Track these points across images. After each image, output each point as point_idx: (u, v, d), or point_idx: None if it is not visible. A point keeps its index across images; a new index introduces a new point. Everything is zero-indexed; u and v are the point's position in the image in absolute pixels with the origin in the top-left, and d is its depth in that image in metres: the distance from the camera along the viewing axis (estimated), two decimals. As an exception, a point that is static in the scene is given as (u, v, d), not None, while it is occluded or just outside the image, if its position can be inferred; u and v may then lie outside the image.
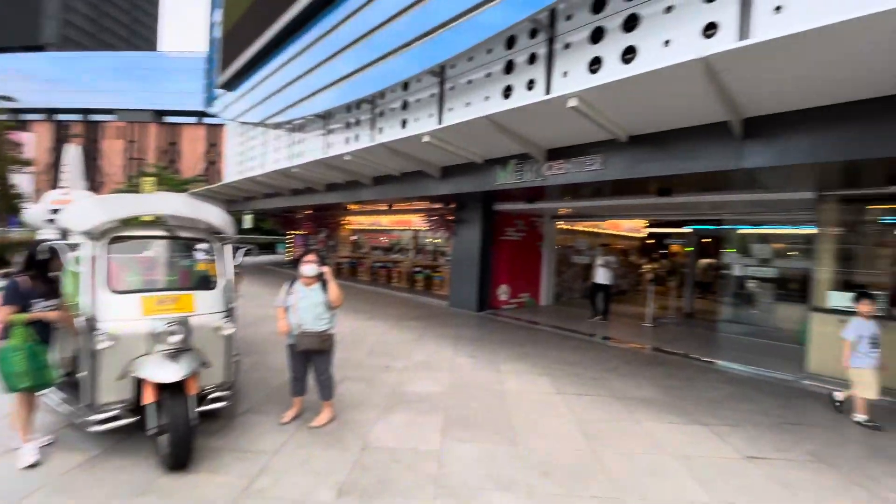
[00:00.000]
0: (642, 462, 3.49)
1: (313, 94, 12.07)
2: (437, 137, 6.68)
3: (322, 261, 3.94)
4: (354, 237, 19.81)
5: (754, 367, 6.35)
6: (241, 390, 4.59)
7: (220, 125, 43.57)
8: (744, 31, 4.84)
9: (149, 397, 3.14)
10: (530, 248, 11.24)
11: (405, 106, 9.77)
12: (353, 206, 15.14)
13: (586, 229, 13.03)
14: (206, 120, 52.51)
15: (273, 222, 25.73)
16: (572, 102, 4.71)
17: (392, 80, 9.34)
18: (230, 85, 20.57)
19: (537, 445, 3.70)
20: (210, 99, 24.19)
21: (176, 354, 3.26)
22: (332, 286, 3.87)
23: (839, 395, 4.77)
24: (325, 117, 13.19)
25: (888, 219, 6.05)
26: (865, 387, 4.39)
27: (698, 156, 5.08)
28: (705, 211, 8.66)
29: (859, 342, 4.49)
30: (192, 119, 57.12)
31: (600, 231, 13.49)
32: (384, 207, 13.51)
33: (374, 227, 18.18)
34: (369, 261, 16.55)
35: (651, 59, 5.65)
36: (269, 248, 35.34)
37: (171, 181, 36.14)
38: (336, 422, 4.01)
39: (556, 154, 6.54)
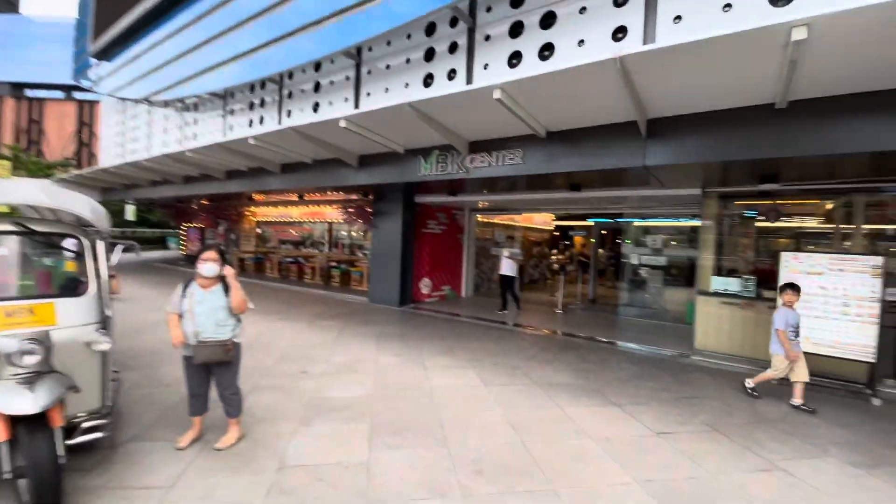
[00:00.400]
0: (568, 448, 3.59)
1: (210, 68, 10.70)
2: (355, 123, 6.27)
3: (223, 259, 3.41)
4: (260, 230, 18.29)
5: (651, 346, 7.03)
6: (123, 414, 3.86)
7: (95, 101, 37.22)
8: (649, 37, 5.21)
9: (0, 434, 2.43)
10: (451, 240, 11.26)
11: (317, 88, 9.09)
12: (258, 197, 13.87)
13: (503, 222, 13.44)
14: (78, 95, 44.57)
15: (162, 214, 22.71)
16: (497, 94, 4.67)
17: (301, 60, 8.61)
18: (107, 54, 17.47)
19: (469, 443, 3.62)
20: (81, 69, 20.43)
21: (33, 379, 2.57)
22: (235, 289, 3.36)
23: (750, 382, 5.00)
24: (225, 96, 11.83)
25: (750, 213, 7.06)
26: (800, 372, 4.70)
27: (610, 153, 5.39)
28: (608, 205, 9.37)
29: (787, 330, 4.69)
30: (60, 94, 48.00)
31: (516, 224, 14.03)
32: (294, 198, 12.55)
33: (282, 220, 16.93)
34: (278, 256, 15.36)
35: (567, 57, 5.85)
36: (157, 242, 31.38)
37: (31, 165, 30.22)
38: (246, 440, 3.53)
39: (478, 147, 6.52)
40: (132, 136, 18.14)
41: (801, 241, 7.22)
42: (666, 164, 5.06)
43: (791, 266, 5.47)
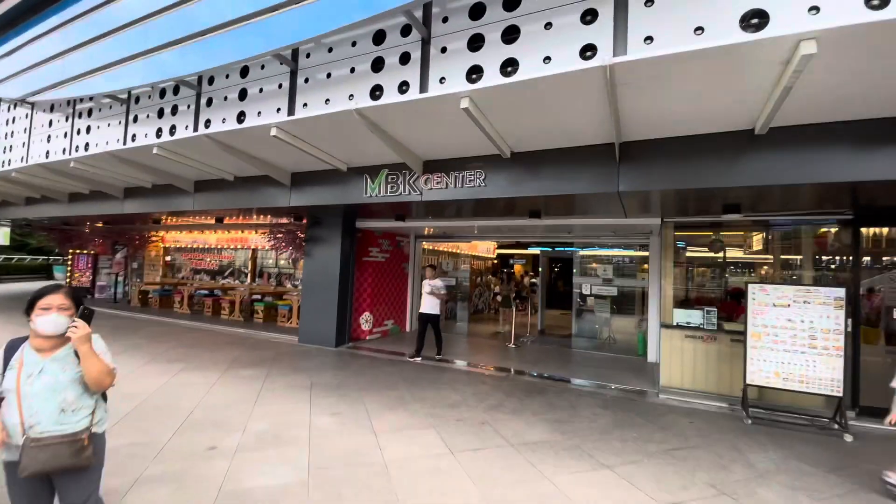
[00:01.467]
0: (572, 543, 2.79)
1: (107, 66, 9.02)
2: (289, 133, 5.28)
3: (78, 306, 2.25)
4: (169, 258, 15.96)
5: (614, 382, 6.58)
6: None
7: (-42, 103, 31.70)
8: (619, 56, 4.92)
9: None
10: (395, 269, 10.33)
11: (244, 96, 7.91)
12: (169, 220, 11.95)
13: (448, 250, 12.79)
14: (-66, 94, 37.62)
15: (46, 238, 19.13)
16: (465, 103, 4.01)
17: (223, 61, 7.43)
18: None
19: (445, 550, 2.68)
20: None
21: None
22: (89, 356, 2.15)
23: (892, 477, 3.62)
24: (128, 101, 10.08)
25: (681, 244, 7.06)
26: None
27: (581, 177, 4.94)
28: (560, 234, 9.10)
29: None
30: None
31: (459, 252, 13.44)
32: (211, 221, 10.91)
33: (197, 246, 14.88)
34: (190, 288, 13.30)
35: (532, 73, 5.42)
36: (41, 272, 26.74)
37: None
38: (107, 587, 2.29)
39: (434, 167, 5.82)
40: (4, 145, 15.14)
41: (745, 271, 7.35)
42: (640, 190, 4.69)
43: (758, 298, 5.31)
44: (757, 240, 7.08)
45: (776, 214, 5.89)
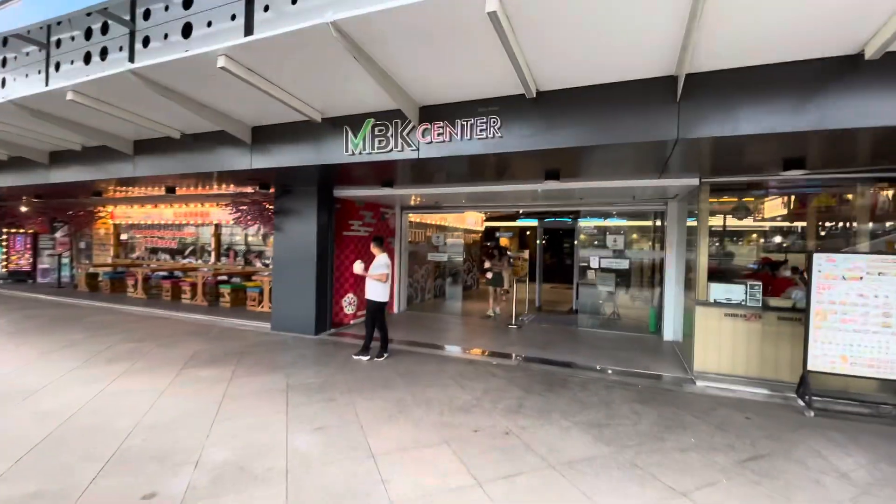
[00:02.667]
0: None
1: (10, -4, 7.21)
2: (243, 64, 3.97)
3: None
4: (124, 236, 14.26)
5: (638, 368, 5.78)
6: None
7: None
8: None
9: None
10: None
11: (188, 32, 6.35)
12: (116, 192, 10.31)
13: (434, 222, 11.65)
14: None
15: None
16: (491, 4, 2.82)
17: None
18: None
19: None
20: None
21: None
22: None
23: None
24: (45, 45, 8.27)
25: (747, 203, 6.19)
26: None
27: (633, 121, 3.87)
28: (570, 201, 8.11)
29: None
30: None
31: (447, 224, 12.32)
32: (160, 192, 9.38)
33: (152, 222, 13.26)
34: (146, 270, 11.78)
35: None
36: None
37: None
38: None
39: (434, 114, 4.63)
40: None
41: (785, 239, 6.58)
42: (710, 137, 3.67)
43: (825, 269, 4.48)
44: (796, 204, 6.27)
45: (837, 172, 5.02)
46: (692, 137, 3.69)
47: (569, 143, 4.07)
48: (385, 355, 6.05)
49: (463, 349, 6.68)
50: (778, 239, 7.29)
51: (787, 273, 5.99)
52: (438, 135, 4.60)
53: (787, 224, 6.62)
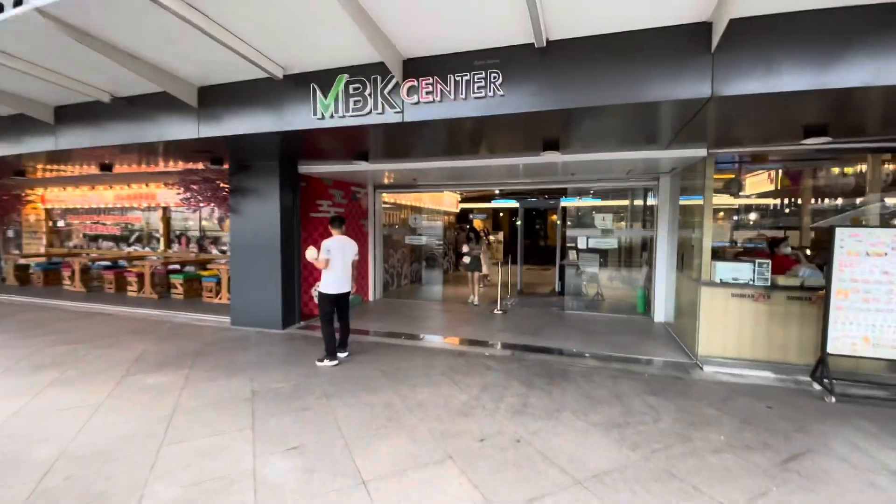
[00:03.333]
0: None
1: None
2: (179, -6, 3.10)
3: None
4: (58, 222, 12.69)
5: (642, 354, 5.42)
6: None
7: None
8: None
9: None
10: (352, 227, 8.37)
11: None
12: (45, 171, 8.93)
13: (409, 203, 10.92)
14: None
15: None
16: None
17: None
18: None
19: None
20: None
21: None
22: None
23: None
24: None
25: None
26: None
27: (661, 76, 3.31)
28: (555, 177, 7.59)
29: None
30: None
31: (422, 205, 11.61)
32: (94, 170, 8.14)
33: (90, 207, 11.81)
34: (85, 259, 10.44)
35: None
36: None
37: None
38: None
39: (422, 68, 3.91)
40: None
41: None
42: (745, 95, 3.17)
43: (847, 245, 4.16)
44: (797, 177, 6.00)
45: (859, 141, 4.69)
46: (728, 95, 3.18)
47: (584, 103, 3.47)
48: (341, 355, 5.25)
49: (450, 339, 6.11)
50: (766, 216, 7.09)
51: (788, 250, 5.74)
52: (427, 93, 3.89)
53: (784, 199, 6.38)
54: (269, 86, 4.47)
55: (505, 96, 3.67)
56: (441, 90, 3.83)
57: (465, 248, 8.80)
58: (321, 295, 5.17)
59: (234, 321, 6.86)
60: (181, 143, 5.43)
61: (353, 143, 5.30)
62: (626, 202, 8.90)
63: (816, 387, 4.36)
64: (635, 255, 8.74)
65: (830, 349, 4.22)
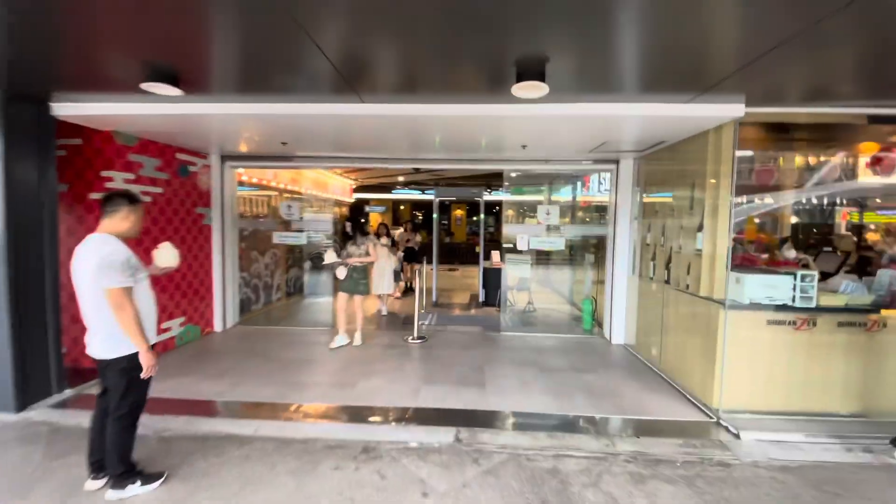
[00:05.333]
0: None
1: None
2: None
3: None
4: None
5: (641, 412, 3.61)
6: None
7: None
8: None
9: None
10: (183, 221, 5.24)
11: None
12: None
13: (283, 185, 7.94)
14: None
15: None
16: None
17: None
18: None
19: None
20: None
21: None
22: None
23: None
24: None
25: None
26: None
27: None
28: (499, 155, 5.51)
29: None
30: None
31: (302, 192, 8.66)
32: None
33: None
34: None
35: None
36: None
37: None
38: None
39: None
40: None
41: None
42: None
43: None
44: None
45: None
46: None
47: None
48: (152, 486, 2.55)
49: (342, 414, 3.60)
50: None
51: (791, 254, 4.48)
52: None
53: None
54: None
55: None
56: None
57: (327, 255, 5.33)
58: (127, 361, 2.42)
59: None
60: None
61: (141, 38, 2.44)
62: (561, 198, 7.28)
63: (909, 462, 2.97)
64: (577, 258, 7.18)
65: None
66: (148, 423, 3.20)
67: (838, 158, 4.52)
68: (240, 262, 6.33)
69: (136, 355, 2.42)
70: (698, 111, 3.34)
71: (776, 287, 3.52)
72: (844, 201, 5.75)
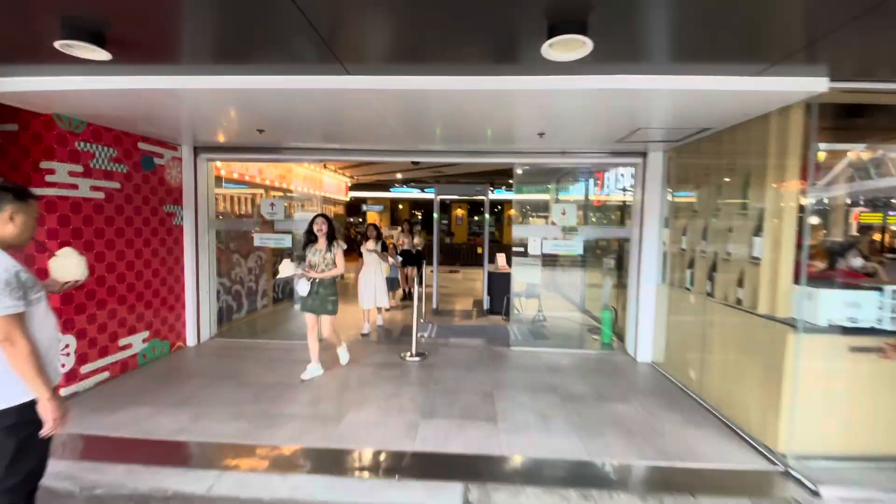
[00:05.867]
0: None
1: None
2: None
3: None
4: None
5: (693, 459, 2.92)
6: None
7: None
8: None
9: None
10: (147, 221, 4.55)
11: None
12: None
13: (269, 182, 7.26)
14: None
15: None
16: None
17: None
18: None
19: None
20: None
21: None
22: None
23: None
24: None
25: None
26: None
27: None
28: (513, 145, 4.84)
29: None
30: None
31: (292, 190, 7.97)
32: None
33: None
34: None
35: None
36: None
37: None
38: None
39: None
40: None
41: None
42: None
43: None
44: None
45: None
46: None
47: None
48: None
49: (319, 464, 2.92)
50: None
51: (858, 263, 3.79)
52: None
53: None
54: None
55: None
56: None
57: (283, 266, 4.22)
58: (17, 414, 1.75)
59: None
60: None
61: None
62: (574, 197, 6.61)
63: None
64: (591, 262, 6.50)
65: None
66: (76, 475, 2.54)
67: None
68: (218, 267, 5.65)
69: (31, 405, 1.75)
70: (770, 85, 2.65)
71: (859, 305, 2.85)
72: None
